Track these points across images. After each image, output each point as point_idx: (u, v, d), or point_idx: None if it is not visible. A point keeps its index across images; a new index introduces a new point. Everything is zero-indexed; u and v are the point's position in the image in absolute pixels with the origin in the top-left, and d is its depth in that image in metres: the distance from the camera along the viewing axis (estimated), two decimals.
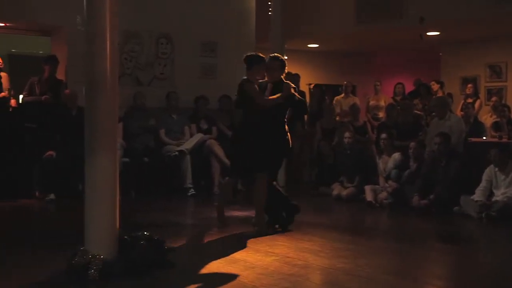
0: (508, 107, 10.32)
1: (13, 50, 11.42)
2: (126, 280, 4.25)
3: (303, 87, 11.94)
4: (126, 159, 8.31)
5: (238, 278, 4.37)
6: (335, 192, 8.58)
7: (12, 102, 8.49)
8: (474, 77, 12.41)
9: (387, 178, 8.20)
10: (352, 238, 5.93)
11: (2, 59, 8.74)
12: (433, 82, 10.92)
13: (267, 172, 5.94)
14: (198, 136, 9.03)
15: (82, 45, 4.46)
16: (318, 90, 11.03)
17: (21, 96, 8.82)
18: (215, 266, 4.70)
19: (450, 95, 10.99)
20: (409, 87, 11.80)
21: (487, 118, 10.43)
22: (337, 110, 10.85)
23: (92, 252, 4.27)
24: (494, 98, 10.92)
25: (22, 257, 4.98)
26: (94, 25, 4.38)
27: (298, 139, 10.25)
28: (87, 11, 4.40)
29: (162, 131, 9.02)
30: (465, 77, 12.44)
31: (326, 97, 11.04)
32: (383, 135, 8.49)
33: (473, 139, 8.77)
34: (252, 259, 4.91)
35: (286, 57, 9.28)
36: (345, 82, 11.45)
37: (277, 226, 6.15)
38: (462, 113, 9.97)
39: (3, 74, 8.55)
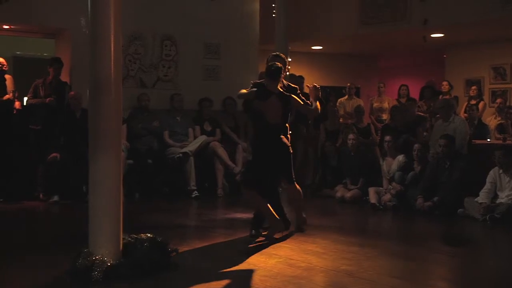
0: None
1: (17, 52, 11.46)
2: (130, 282, 4.26)
3: (306, 89, 11.92)
4: (130, 161, 8.32)
5: (241, 280, 4.37)
6: (338, 194, 8.57)
7: (17, 104, 8.50)
8: (478, 79, 12.39)
9: (391, 180, 8.19)
10: (356, 240, 5.93)
11: (6, 61, 8.76)
12: (445, 83, 10.93)
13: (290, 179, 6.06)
14: (202, 138, 9.03)
15: (87, 47, 4.48)
16: (322, 92, 11.00)
17: (25, 98, 8.84)
18: (218, 268, 4.70)
19: (456, 98, 10.97)
20: (413, 89, 11.77)
21: (492, 120, 10.40)
22: (341, 112, 10.84)
23: (96, 254, 4.28)
24: (499, 100, 10.89)
25: (26, 259, 4.98)
26: (98, 27, 4.39)
27: (302, 142, 10.27)
28: (91, 13, 4.42)
29: (166, 133, 9.03)
30: (470, 79, 12.42)
31: (330, 99, 11.03)
32: (387, 137, 8.48)
33: (477, 141, 8.74)
34: (256, 261, 4.91)
35: (290, 59, 9.36)
36: (348, 84, 11.44)
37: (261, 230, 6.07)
38: (466, 115, 9.95)
39: (7, 76, 8.57)
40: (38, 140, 8.40)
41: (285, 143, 5.88)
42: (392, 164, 8.28)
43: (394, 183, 8.07)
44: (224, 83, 9.99)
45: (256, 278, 4.39)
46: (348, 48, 13.60)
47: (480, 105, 10.51)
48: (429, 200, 7.47)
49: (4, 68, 8.50)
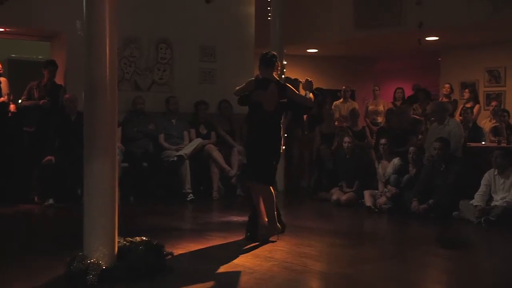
0: (508, 112, 10.34)
1: (12, 55, 11.43)
2: (125, 285, 4.25)
3: (302, 91, 11.92)
4: (125, 164, 8.31)
5: (237, 283, 4.37)
6: (334, 197, 8.57)
7: (12, 107, 8.49)
8: (473, 82, 12.43)
9: (386, 183, 8.20)
10: (351, 243, 5.93)
11: (1, 64, 8.74)
12: (448, 85, 10.99)
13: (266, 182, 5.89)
14: (197, 141, 9.03)
15: (82, 50, 4.47)
16: (318, 95, 11.03)
17: (19, 101, 8.82)
18: (214, 271, 4.70)
19: (455, 101, 11.01)
20: (408, 92, 11.81)
21: (486, 123, 10.44)
22: (336, 115, 10.85)
23: (91, 257, 4.26)
24: (494, 103, 10.93)
25: (21, 262, 4.97)
26: (93, 30, 4.39)
27: (298, 145, 10.29)
28: (86, 16, 4.42)
29: (161, 136, 9.02)
30: (464, 82, 12.45)
31: (326, 102, 11.04)
32: (382, 140, 8.50)
33: (472, 144, 8.78)
34: (251, 264, 4.91)
35: (285, 62, 9.39)
36: (343, 87, 11.46)
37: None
38: (461, 118, 9.98)
39: (2, 79, 8.55)
40: (33, 142, 8.38)
41: (279, 140, 5.85)
42: (388, 167, 8.29)
43: (389, 186, 8.08)
44: (219, 86, 9.99)
45: (251, 281, 4.39)
46: (343, 51, 13.63)
47: (476, 108, 10.54)
48: (425, 203, 7.47)
49: None
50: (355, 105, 11.17)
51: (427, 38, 11.43)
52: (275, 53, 6.04)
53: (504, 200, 6.95)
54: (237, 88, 6.06)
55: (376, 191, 8.28)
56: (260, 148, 5.83)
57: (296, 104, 6.14)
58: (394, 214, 7.73)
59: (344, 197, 8.48)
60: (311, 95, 6.14)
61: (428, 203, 7.45)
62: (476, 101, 10.82)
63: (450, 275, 5.06)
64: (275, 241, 5.78)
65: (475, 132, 9.50)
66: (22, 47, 11.30)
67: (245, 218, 6.27)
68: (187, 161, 8.71)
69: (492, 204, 7.06)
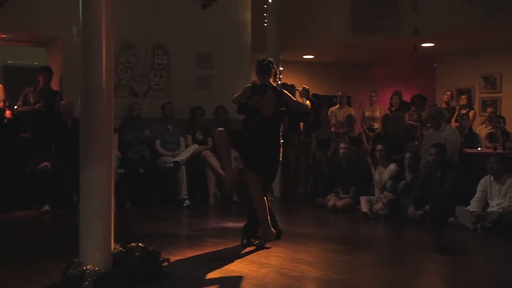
0: (504, 119, 10.36)
1: (8, 61, 11.43)
2: None
3: (298, 98, 11.95)
4: (122, 170, 8.30)
5: None
6: (330, 203, 8.57)
7: (7, 113, 8.47)
8: (469, 88, 12.47)
9: (383, 189, 8.20)
10: (348, 249, 5.92)
11: None
12: (449, 93, 11.04)
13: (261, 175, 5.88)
14: (194, 147, 9.02)
15: (78, 56, 4.47)
16: (315, 101, 11.02)
17: (15, 107, 8.81)
18: (210, 277, 4.69)
19: (453, 108, 11.03)
20: (405, 98, 11.81)
21: (482, 129, 10.46)
22: (333, 121, 10.86)
23: (86, 264, 4.25)
24: (489, 109, 10.96)
25: (17, 269, 4.95)
26: (89, 36, 4.39)
27: (294, 150, 10.29)
28: (82, 22, 4.42)
29: (157, 142, 9.01)
30: (460, 88, 12.49)
31: (323, 108, 11.05)
32: (379, 146, 8.50)
33: (468, 150, 8.79)
34: (248, 271, 4.90)
35: (281, 68, 9.40)
36: (340, 93, 11.48)
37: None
38: (457, 124, 10.00)
39: None
40: (29, 148, 8.36)
41: (278, 146, 5.88)
42: (384, 173, 8.30)
43: (385, 192, 8.09)
44: (216, 92, 10.00)
45: None
46: (339, 57, 13.67)
47: (470, 114, 10.57)
48: (421, 209, 7.48)
49: None
50: (351, 111, 11.19)
51: (423, 45, 11.47)
52: (271, 60, 6.06)
53: (500, 206, 6.96)
54: (235, 96, 6.06)
55: (372, 197, 8.28)
56: (258, 155, 5.83)
57: (293, 110, 6.14)
58: (390, 220, 7.74)
59: (340, 203, 8.48)
60: (308, 102, 6.15)
61: (424, 209, 7.46)
62: (470, 107, 10.85)
63: (446, 281, 5.06)
64: (270, 248, 5.78)
65: (471, 138, 9.53)
66: (17, 53, 11.31)
67: (241, 224, 6.27)
68: (183, 167, 8.70)
69: (488, 210, 7.06)
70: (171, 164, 8.66)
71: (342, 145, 8.93)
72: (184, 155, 8.83)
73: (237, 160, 8.69)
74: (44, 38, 9.28)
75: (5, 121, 8.42)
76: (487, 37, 10.79)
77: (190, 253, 5.54)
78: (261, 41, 9.89)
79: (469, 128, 9.87)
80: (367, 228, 7.59)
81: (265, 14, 9.90)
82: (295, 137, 10.22)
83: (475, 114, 10.96)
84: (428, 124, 8.73)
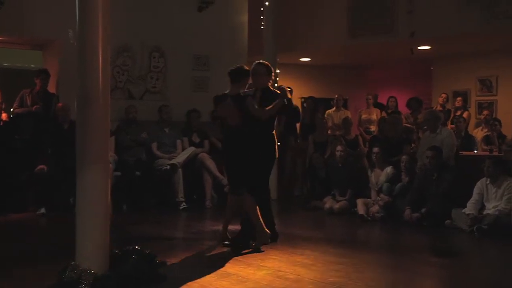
0: (500, 121, 10.39)
1: (4, 64, 11.41)
2: None
3: (296, 100, 11.97)
4: (118, 173, 8.29)
5: None
6: (327, 206, 8.57)
7: (4, 116, 8.46)
8: (465, 90, 12.49)
9: (379, 191, 8.21)
10: (344, 251, 5.92)
11: None
12: (444, 95, 11.08)
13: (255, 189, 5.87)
14: (190, 150, 9.02)
15: (74, 58, 4.47)
16: (311, 103, 11.07)
17: (12, 109, 8.79)
18: (207, 280, 4.68)
19: (449, 111, 11.05)
20: (401, 101, 11.84)
21: (478, 132, 10.48)
22: (329, 123, 10.87)
23: (83, 267, 4.24)
24: (485, 112, 10.99)
25: (12, 272, 4.93)
26: (86, 38, 4.38)
27: (291, 153, 10.29)
28: (79, 25, 4.41)
29: (154, 145, 9.01)
30: (456, 91, 12.51)
31: (319, 110, 11.07)
32: (375, 149, 8.51)
33: (464, 153, 8.81)
34: (244, 273, 4.90)
35: (278, 71, 9.40)
36: (336, 96, 11.49)
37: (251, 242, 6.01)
38: (453, 126, 10.02)
39: None
40: (25, 151, 8.33)
41: (262, 148, 5.85)
42: (380, 175, 8.30)
43: (382, 195, 8.09)
44: (213, 95, 9.88)
45: None
46: (336, 60, 13.67)
47: (465, 115, 10.60)
48: (417, 212, 7.49)
49: None
50: (348, 113, 11.19)
51: (419, 47, 11.49)
52: (241, 66, 6.07)
53: (496, 208, 6.96)
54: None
55: (369, 199, 8.29)
56: (232, 167, 5.91)
57: (290, 112, 6.13)
58: (386, 222, 7.74)
59: (337, 206, 8.48)
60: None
61: (420, 212, 7.47)
62: (465, 108, 10.88)
63: (443, 283, 5.06)
64: (264, 251, 5.75)
65: (467, 141, 9.55)
66: (14, 56, 11.29)
67: (237, 227, 6.26)
68: (180, 170, 8.69)
69: (484, 212, 7.07)
70: (168, 167, 8.65)
71: (338, 147, 8.93)
72: (180, 157, 8.83)
73: None
74: (40, 41, 9.27)
75: (1, 124, 8.40)
76: (484, 40, 10.82)
77: (186, 256, 5.54)
78: (258, 44, 9.89)
79: (465, 131, 9.89)
80: (364, 231, 7.59)
81: (261, 17, 9.91)
82: (291, 139, 10.24)
83: (469, 114, 10.99)
84: (425, 127, 8.75)
